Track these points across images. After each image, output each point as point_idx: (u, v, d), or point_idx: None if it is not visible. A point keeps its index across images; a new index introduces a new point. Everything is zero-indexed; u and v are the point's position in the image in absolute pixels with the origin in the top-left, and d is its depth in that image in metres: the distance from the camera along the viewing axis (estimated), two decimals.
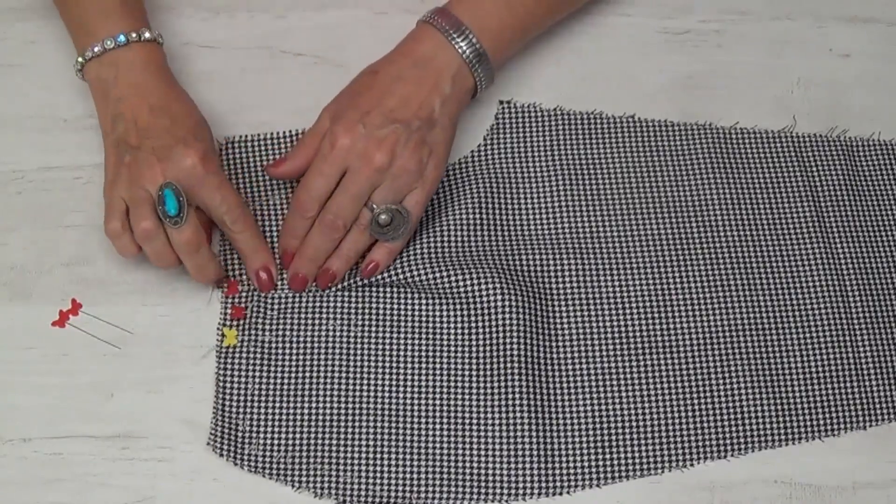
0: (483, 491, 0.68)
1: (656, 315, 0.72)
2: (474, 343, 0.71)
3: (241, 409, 0.69)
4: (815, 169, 0.77)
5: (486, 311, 0.71)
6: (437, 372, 0.70)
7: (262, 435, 0.69)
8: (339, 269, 0.71)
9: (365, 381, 0.70)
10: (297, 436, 0.69)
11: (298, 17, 0.82)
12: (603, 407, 0.70)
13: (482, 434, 0.69)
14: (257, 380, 0.70)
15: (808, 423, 0.70)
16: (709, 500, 0.69)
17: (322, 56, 0.81)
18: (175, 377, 0.70)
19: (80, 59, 0.72)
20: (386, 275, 0.71)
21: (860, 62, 0.82)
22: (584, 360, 0.71)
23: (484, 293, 0.71)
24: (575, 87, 0.80)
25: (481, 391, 0.70)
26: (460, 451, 0.69)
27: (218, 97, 0.78)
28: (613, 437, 0.69)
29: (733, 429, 0.70)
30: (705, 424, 0.70)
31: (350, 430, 0.69)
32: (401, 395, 0.70)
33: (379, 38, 0.80)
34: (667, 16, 0.83)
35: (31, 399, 0.69)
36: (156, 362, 0.71)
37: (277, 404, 0.69)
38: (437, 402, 0.70)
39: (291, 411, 0.69)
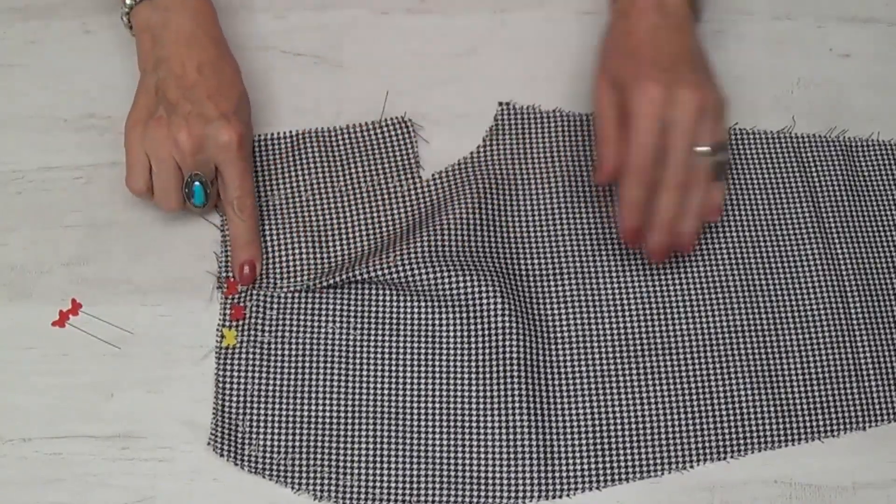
0: (483, 494, 0.68)
1: (655, 317, 0.72)
2: (474, 346, 0.71)
3: (240, 410, 0.69)
4: (814, 169, 0.77)
5: (485, 315, 0.71)
6: (437, 375, 0.70)
7: (261, 436, 0.69)
8: (692, 229, 0.68)
9: (364, 384, 0.70)
10: (297, 438, 0.69)
11: (298, 17, 0.82)
12: (603, 409, 0.70)
13: (482, 437, 0.69)
14: (256, 381, 0.70)
15: (808, 425, 0.70)
16: (709, 500, 0.69)
17: (322, 56, 0.81)
18: (175, 377, 0.70)
19: (128, 1, 0.71)
20: (384, 273, 0.71)
21: (860, 62, 0.82)
22: (582, 363, 0.71)
23: (483, 296, 0.71)
24: (574, 87, 0.80)
25: (481, 394, 0.70)
26: (460, 454, 0.69)
27: None
28: (613, 440, 0.69)
29: (733, 430, 0.70)
30: (705, 426, 0.70)
31: (349, 432, 0.69)
32: (400, 398, 0.70)
33: (379, 38, 0.80)
34: None
35: (31, 399, 0.69)
36: (156, 362, 0.71)
37: (276, 406, 0.69)
38: (437, 404, 0.70)
39: (290, 413, 0.69)
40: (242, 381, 0.70)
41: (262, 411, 0.69)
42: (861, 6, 0.84)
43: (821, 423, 0.70)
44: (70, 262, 0.73)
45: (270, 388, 0.70)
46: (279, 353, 0.71)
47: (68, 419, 0.69)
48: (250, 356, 0.70)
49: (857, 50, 0.82)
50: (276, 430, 0.69)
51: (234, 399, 0.69)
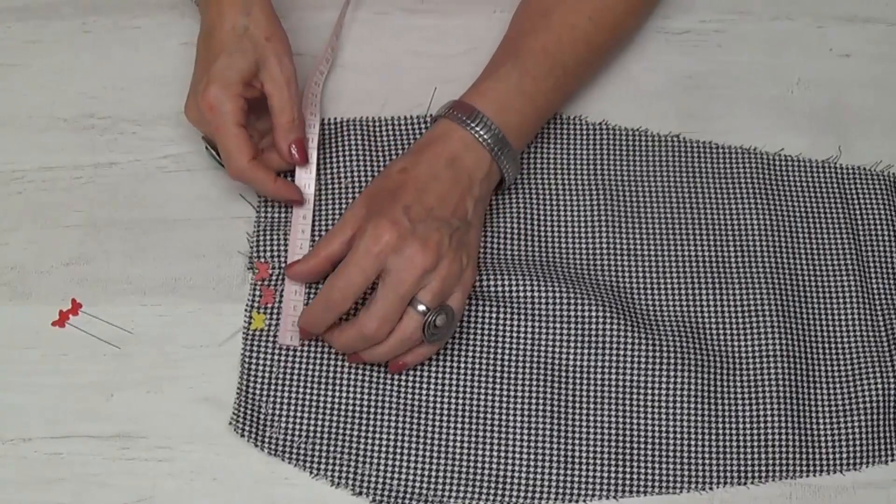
0: (500, 492, 0.68)
1: (687, 336, 0.71)
2: (500, 345, 0.71)
3: (264, 393, 0.69)
4: (856, 202, 0.76)
5: (514, 315, 0.71)
6: (462, 371, 0.70)
7: (283, 419, 0.69)
8: (379, 361, 0.68)
9: (389, 374, 0.70)
10: (319, 423, 0.69)
11: (298, 17, 0.82)
12: (627, 421, 0.69)
13: (503, 435, 0.69)
14: (282, 365, 0.70)
15: (832, 457, 0.69)
16: (709, 499, 0.69)
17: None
18: (175, 377, 0.70)
19: None
20: None
21: (860, 62, 0.82)
22: (612, 372, 0.70)
23: (513, 298, 0.71)
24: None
25: (504, 393, 0.70)
26: (480, 451, 0.69)
27: None
28: (635, 453, 0.69)
29: (756, 457, 0.69)
30: (729, 450, 0.69)
31: (371, 422, 0.69)
32: (424, 391, 0.70)
33: (379, 38, 0.80)
34: (667, 16, 0.83)
35: (31, 399, 0.70)
36: (156, 362, 0.71)
37: (300, 390, 0.70)
38: (460, 400, 0.70)
39: (314, 398, 0.69)
40: (268, 364, 0.70)
41: (286, 395, 0.69)
42: (861, 6, 0.84)
43: (845, 455, 0.69)
44: (70, 262, 0.73)
45: (296, 372, 0.70)
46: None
47: (68, 419, 0.69)
48: (277, 340, 0.71)
49: (857, 50, 0.82)
50: (298, 415, 0.69)
51: (259, 382, 0.70)
